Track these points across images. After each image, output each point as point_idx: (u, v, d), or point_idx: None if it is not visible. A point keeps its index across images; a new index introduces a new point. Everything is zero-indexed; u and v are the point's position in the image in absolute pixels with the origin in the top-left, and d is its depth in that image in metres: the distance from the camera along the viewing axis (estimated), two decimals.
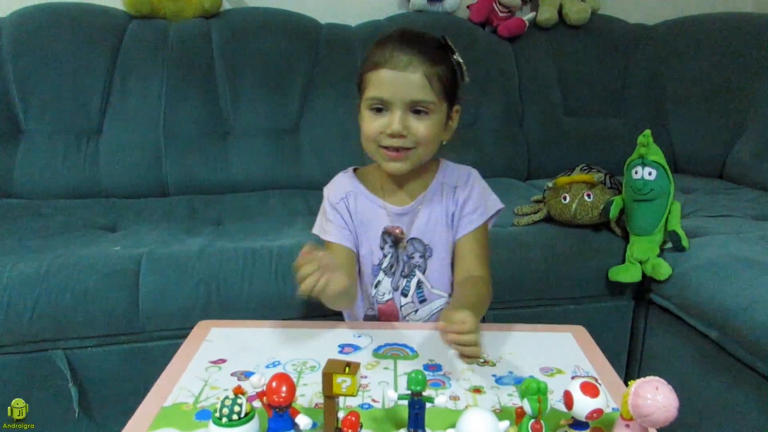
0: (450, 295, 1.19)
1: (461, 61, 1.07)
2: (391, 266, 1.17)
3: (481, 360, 0.97)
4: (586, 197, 1.64)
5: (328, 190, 1.20)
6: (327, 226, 1.17)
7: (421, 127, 1.04)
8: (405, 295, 1.18)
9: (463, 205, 1.16)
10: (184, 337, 1.08)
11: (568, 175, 1.75)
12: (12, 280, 1.33)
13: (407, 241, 1.16)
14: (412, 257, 1.16)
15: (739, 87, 2.30)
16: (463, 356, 0.97)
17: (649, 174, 1.54)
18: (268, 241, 1.53)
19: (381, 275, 1.17)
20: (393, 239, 1.16)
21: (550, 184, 1.74)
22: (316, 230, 1.20)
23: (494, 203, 1.19)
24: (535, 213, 1.75)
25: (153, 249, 1.46)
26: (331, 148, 2.10)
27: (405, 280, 1.17)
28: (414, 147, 1.06)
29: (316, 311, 1.38)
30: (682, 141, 2.37)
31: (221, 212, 1.83)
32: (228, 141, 2.07)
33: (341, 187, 1.18)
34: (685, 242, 1.55)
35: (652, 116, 2.38)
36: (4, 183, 1.90)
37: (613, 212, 1.62)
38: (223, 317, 1.31)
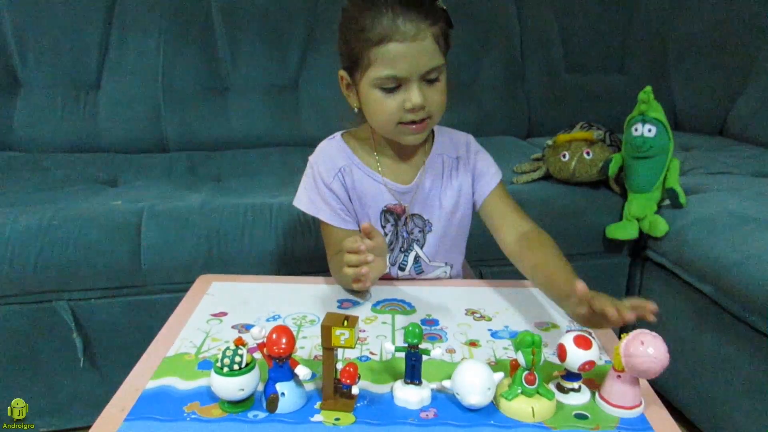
0: (446, 263, 1.18)
1: (445, 7, 0.99)
2: (390, 243, 1.14)
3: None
4: (585, 155, 1.64)
5: (317, 164, 1.10)
6: (320, 204, 1.09)
7: (436, 96, 0.98)
8: (402, 269, 1.16)
9: (473, 169, 1.13)
10: (186, 290, 1.09)
11: (568, 132, 1.75)
12: (15, 233, 1.34)
13: (408, 217, 1.12)
14: (412, 233, 1.13)
15: (741, 43, 2.28)
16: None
17: (649, 131, 1.54)
18: (268, 198, 1.53)
19: None
20: (395, 217, 1.12)
21: (549, 142, 1.74)
22: (303, 206, 1.11)
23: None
24: (535, 171, 1.75)
25: (154, 204, 1.47)
26: (331, 104, 2.08)
27: (403, 255, 1.15)
28: (430, 116, 1.00)
29: (316, 267, 1.40)
30: (684, 97, 2.35)
31: (221, 168, 1.83)
32: (227, 97, 2.06)
33: (333, 161, 1.10)
34: (682, 199, 1.56)
35: (655, 72, 2.36)
36: (2, 135, 1.90)
37: (612, 170, 1.62)
38: (224, 272, 1.32)
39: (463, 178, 1.13)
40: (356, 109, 1.05)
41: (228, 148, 2.01)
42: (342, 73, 1.04)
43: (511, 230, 1.09)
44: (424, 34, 0.93)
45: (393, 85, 0.96)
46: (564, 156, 1.66)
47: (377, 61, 0.95)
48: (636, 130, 1.56)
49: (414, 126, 1.00)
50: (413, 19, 0.92)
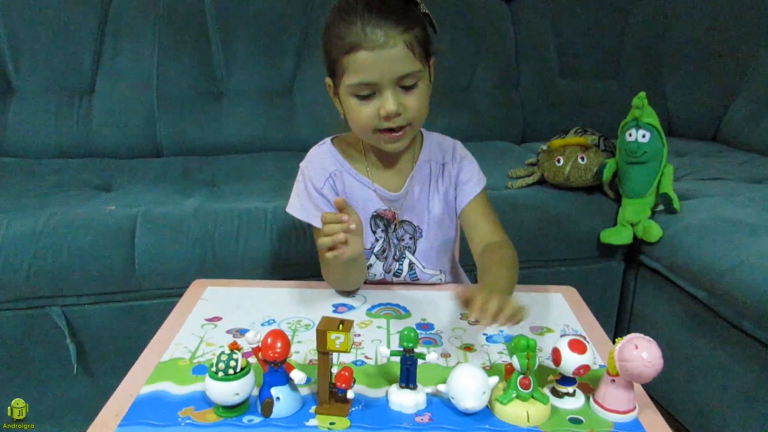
0: (442, 271, 1.18)
1: (428, 12, 0.99)
2: (384, 250, 1.13)
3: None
4: (579, 160, 1.65)
5: (308, 170, 1.10)
6: (312, 210, 1.08)
7: (414, 102, 0.97)
8: (397, 276, 1.16)
9: (456, 177, 1.13)
10: (180, 295, 1.09)
11: (563, 137, 1.76)
12: (7, 238, 1.33)
13: (398, 224, 1.12)
14: (402, 239, 1.13)
15: (735, 50, 2.29)
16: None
17: (643, 136, 1.55)
18: (262, 203, 1.53)
19: (373, 259, 1.14)
20: (385, 222, 1.12)
21: (544, 147, 1.75)
22: (296, 212, 1.10)
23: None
24: (529, 176, 1.76)
25: (148, 209, 1.46)
26: (325, 109, 2.04)
27: (397, 263, 1.15)
28: (410, 123, 0.99)
29: (311, 272, 1.39)
30: (678, 103, 2.36)
31: (215, 173, 1.83)
32: (221, 102, 2.06)
33: (323, 167, 1.10)
34: (676, 205, 1.56)
35: (649, 78, 2.37)
36: None
37: (607, 175, 1.62)
38: (218, 277, 1.32)
39: (448, 184, 1.13)
40: (343, 116, 1.06)
41: (222, 153, 2.01)
42: (327, 80, 1.06)
43: (480, 241, 1.09)
44: (394, 41, 0.93)
45: (367, 93, 0.97)
46: (558, 161, 1.66)
47: (349, 68, 0.96)
48: (630, 135, 1.56)
49: (391, 134, 0.99)
50: (382, 26, 0.92)
